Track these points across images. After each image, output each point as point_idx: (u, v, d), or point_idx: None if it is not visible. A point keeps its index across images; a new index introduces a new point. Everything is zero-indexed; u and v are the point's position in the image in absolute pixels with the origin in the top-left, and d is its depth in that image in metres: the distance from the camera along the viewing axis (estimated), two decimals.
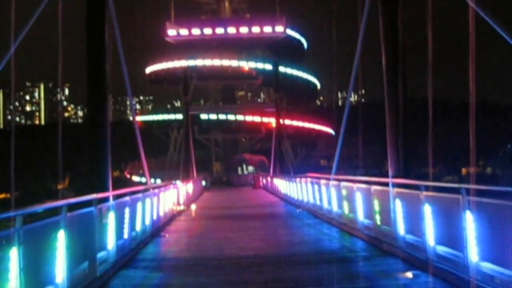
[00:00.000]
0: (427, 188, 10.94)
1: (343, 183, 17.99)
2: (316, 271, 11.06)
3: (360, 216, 15.90)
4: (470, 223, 8.91)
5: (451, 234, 9.74)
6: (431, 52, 12.81)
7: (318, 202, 22.95)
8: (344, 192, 17.89)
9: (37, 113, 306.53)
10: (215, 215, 26.14)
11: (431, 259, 10.51)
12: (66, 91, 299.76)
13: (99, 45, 13.82)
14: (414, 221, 11.51)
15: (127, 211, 13.94)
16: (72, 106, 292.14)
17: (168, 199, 23.88)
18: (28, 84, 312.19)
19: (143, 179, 74.91)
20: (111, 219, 12.00)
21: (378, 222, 14.30)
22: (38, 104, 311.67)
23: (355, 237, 15.73)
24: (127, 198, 13.97)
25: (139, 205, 15.79)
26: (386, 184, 14.80)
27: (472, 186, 9.12)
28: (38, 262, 7.72)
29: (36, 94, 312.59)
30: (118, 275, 11.13)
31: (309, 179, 25.49)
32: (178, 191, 29.07)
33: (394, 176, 14.55)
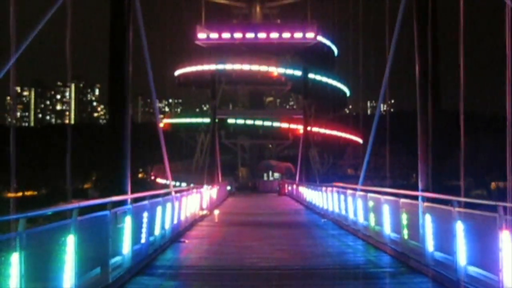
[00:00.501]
0: (459, 204, 10.30)
1: (370, 194, 17.36)
2: (340, 287, 10.47)
3: (387, 229, 15.26)
4: (507, 244, 8.27)
5: (485, 255, 9.10)
6: (463, 62, 12.13)
7: (343, 212, 22.33)
8: (371, 203, 17.26)
9: (67, 113, 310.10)
10: (238, 222, 25.65)
11: (462, 280, 9.85)
12: (97, 92, 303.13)
13: (122, 46, 13.47)
14: (445, 238, 10.87)
15: (145, 215, 13.52)
16: (101, 106, 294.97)
17: (191, 203, 23.49)
18: (59, 83, 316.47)
19: (168, 182, 75.09)
20: (127, 223, 11.59)
21: (406, 237, 13.65)
22: (69, 104, 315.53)
23: (381, 251, 15.09)
24: (145, 202, 13.55)
25: (158, 209, 15.38)
26: (416, 198, 14.19)
27: (510, 205, 8.47)
28: (44, 268, 7.30)
29: (67, 94, 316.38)
30: (132, 282, 10.70)
31: (335, 189, 24.88)
32: (202, 195, 28.68)
33: (424, 190, 13.89)
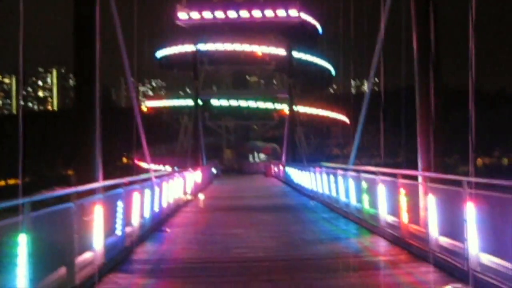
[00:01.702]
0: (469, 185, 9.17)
1: (363, 175, 16.26)
2: (334, 281, 9.34)
3: (383, 212, 14.19)
4: None
5: (502, 242, 8.01)
6: (473, 38, 10.94)
7: (334, 194, 21.25)
8: (364, 184, 16.16)
9: (49, 99, 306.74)
10: (224, 206, 24.50)
11: (473, 268, 8.77)
12: None
13: (89, 13, 12.08)
14: (453, 223, 9.77)
15: (119, 204, 12.28)
16: None
17: (173, 188, 22.28)
18: (40, 69, 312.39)
19: (153, 166, 73.71)
20: (98, 214, 10.36)
21: (405, 220, 12.57)
22: (51, 90, 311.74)
23: (377, 236, 14.03)
24: (120, 190, 12.31)
25: (136, 196, 14.14)
26: (414, 178, 13.10)
27: None
28: None
29: (49, 80, 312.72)
30: (104, 282, 9.49)
31: (324, 169, 23.78)
32: (185, 179, 27.47)
33: (425, 169, 12.76)
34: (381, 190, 14.26)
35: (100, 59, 11.96)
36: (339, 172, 20.13)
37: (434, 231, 10.67)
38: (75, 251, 8.80)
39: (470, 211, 8.88)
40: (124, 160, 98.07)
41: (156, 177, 19.36)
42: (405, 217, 12.57)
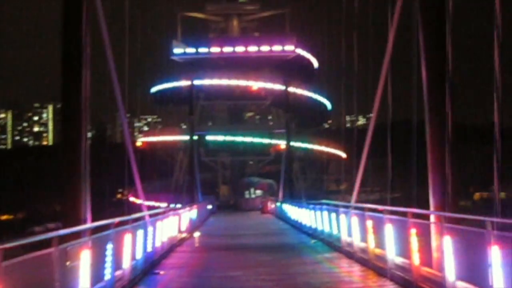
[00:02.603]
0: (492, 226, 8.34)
1: (369, 213, 15.38)
2: None
3: (391, 253, 13.27)
4: None
5: None
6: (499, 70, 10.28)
7: (335, 232, 20.33)
8: (369, 223, 15.27)
9: (45, 134, 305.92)
10: (220, 245, 23.50)
11: None
12: None
13: (76, 44, 11.35)
14: (473, 267, 8.90)
15: (109, 247, 11.38)
16: None
17: (168, 227, 21.31)
18: (36, 105, 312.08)
19: (147, 202, 72.44)
20: (84, 259, 9.46)
21: (416, 262, 11.67)
22: (46, 125, 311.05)
23: (385, 279, 13.09)
24: (109, 231, 11.41)
25: (127, 237, 13.22)
26: (426, 217, 12.25)
27: None
28: None
29: (45, 115, 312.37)
30: None
31: (325, 206, 22.89)
32: (180, 217, 26.49)
33: (438, 208, 11.91)
34: (389, 230, 13.38)
35: (89, 91, 11.19)
36: (341, 209, 19.26)
37: (451, 275, 9.79)
38: None
39: (495, 255, 8.03)
40: (119, 196, 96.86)
41: (150, 215, 18.48)
42: (416, 259, 11.67)
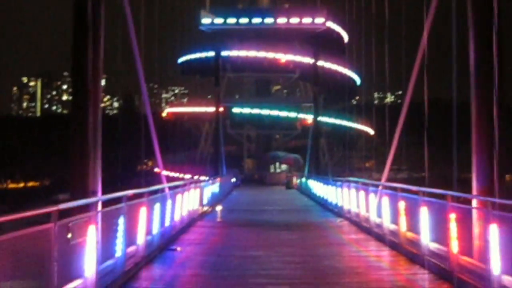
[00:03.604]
0: None
1: (401, 194, 14.32)
2: None
3: (426, 238, 12.22)
4: None
5: None
6: None
7: (363, 212, 19.31)
8: (402, 204, 14.22)
9: None
10: (242, 221, 22.67)
11: None
12: (103, 82, 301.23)
13: (84, 19, 10.37)
14: None
15: (120, 221, 10.55)
16: (108, 97, 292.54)
17: (188, 200, 20.50)
18: (65, 74, 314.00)
19: (172, 173, 71.95)
20: (91, 235, 8.63)
21: (455, 250, 10.63)
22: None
23: (418, 266, 12.08)
24: (121, 205, 10.56)
25: (142, 211, 12.40)
26: (465, 202, 11.16)
27: None
28: None
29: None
30: None
31: (352, 184, 21.86)
32: (202, 190, 25.70)
33: (482, 192, 10.78)
34: (424, 213, 12.31)
35: (102, 55, 10.26)
36: (371, 188, 18.22)
37: (496, 267, 8.76)
38: (54, 284, 7.05)
39: None
40: (144, 167, 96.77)
41: (170, 188, 17.67)
42: (455, 246, 10.63)
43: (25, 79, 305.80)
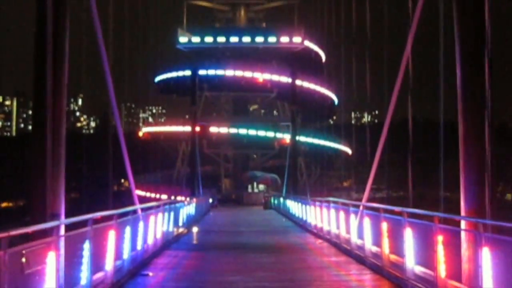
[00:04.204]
0: None
1: (384, 215, 13.75)
2: None
3: (410, 261, 11.65)
4: None
5: None
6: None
7: (344, 233, 18.71)
8: (385, 225, 13.65)
9: None
10: (219, 243, 21.91)
11: None
12: (80, 102, 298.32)
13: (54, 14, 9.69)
14: None
15: (86, 246, 9.80)
16: (84, 116, 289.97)
17: (162, 222, 19.71)
18: None
19: (148, 194, 70.78)
20: (50, 263, 7.87)
21: (442, 274, 10.06)
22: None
23: None
24: (87, 228, 9.82)
25: (111, 234, 11.64)
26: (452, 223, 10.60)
27: None
28: None
29: None
30: None
31: (332, 204, 21.27)
32: (177, 211, 24.90)
33: (470, 212, 10.22)
34: (409, 235, 11.75)
35: (66, 68, 9.56)
36: (351, 209, 17.64)
37: None
38: None
39: None
40: (119, 187, 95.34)
41: (143, 209, 16.91)
42: (442, 271, 10.07)
43: (0, 98, 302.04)
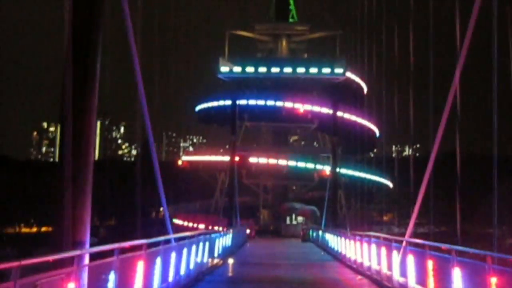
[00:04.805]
0: None
1: (430, 252, 12.87)
2: None
3: None
4: None
5: None
6: None
7: (385, 270, 17.78)
8: (431, 263, 12.76)
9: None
10: (255, 277, 21.13)
11: None
12: (122, 129, 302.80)
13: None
14: None
15: (111, 277, 9.26)
16: (126, 144, 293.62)
17: (197, 252, 19.11)
18: None
19: (186, 223, 70.37)
20: None
21: None
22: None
23: None
24: (113, 258, 9.29)
25: (139, 265, 11.10)
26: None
27: None
28: None
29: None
30: None
31: (373, 239, 20.36)
32: (213, 242, 24.29)
33: None
34: (457, 275, 10.87)
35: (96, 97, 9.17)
36: (394, 244, 16.75)
37: None
38: None
39: None
40: (154, 215, 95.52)
41: (177, 239, 16.38)
42: None
43: (45, 124, 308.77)
